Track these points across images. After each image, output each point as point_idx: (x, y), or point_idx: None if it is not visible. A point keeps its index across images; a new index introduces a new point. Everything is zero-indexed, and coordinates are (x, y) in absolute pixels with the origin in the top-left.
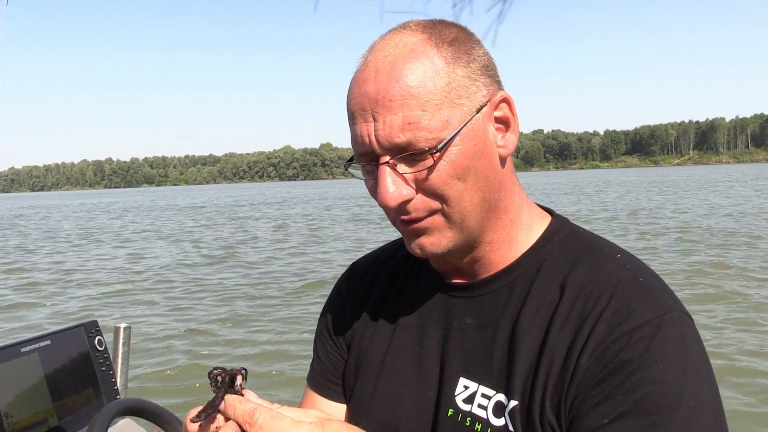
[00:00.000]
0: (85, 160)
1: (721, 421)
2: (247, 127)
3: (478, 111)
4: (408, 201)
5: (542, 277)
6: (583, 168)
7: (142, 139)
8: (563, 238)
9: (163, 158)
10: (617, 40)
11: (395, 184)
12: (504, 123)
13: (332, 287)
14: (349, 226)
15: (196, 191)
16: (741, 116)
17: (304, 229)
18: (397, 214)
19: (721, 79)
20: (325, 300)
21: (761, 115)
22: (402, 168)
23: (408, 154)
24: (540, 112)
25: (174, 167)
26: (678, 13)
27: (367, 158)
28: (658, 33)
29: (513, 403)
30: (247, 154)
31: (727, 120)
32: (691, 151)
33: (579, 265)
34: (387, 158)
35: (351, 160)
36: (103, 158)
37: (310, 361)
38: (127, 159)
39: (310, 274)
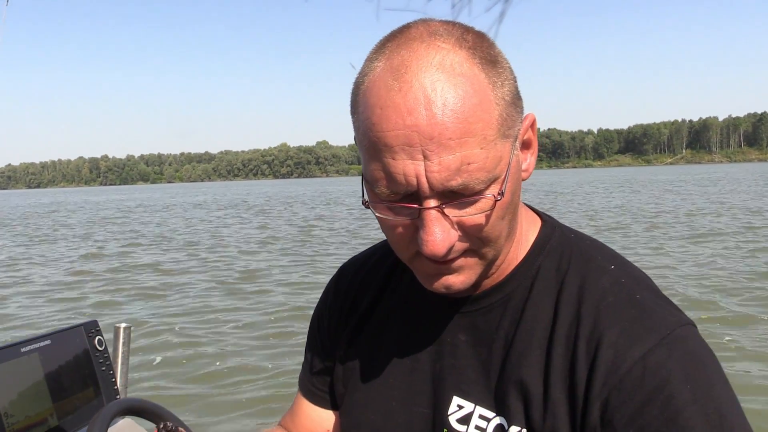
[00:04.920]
0: (81, 157)
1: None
2: (244, 125)
3: (516, 140)
4: (453, 245)
5: (535, 293)
6: (576, 167)
7: (137, 136)
8: (554, 246)
9: (159, 155)
10: (611, 39)
11: (443, 231)
12: (528, 146)
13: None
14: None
15: (189, 189)
16: (734, 115)
17: (297, 233)
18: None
19: (714, 78)
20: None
21: (754, 114)
22: (450, 211)
23: (462, 198)
24: (534, 110)
25: (169, 164)
26: (671, 12)
27: (401, 198)
28: (651, 32)
29: (515, 429)
30: (242, 151)
31: (720, 119)
32: (683, 150)
33: (572, 279)
34: (434, 202)
35: (367, 195)
36: (99, 155)
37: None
38: (123, 156)
39: (319, 273)
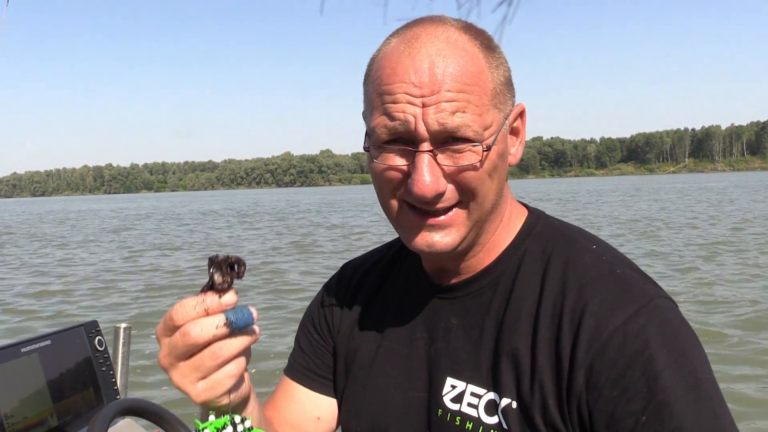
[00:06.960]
0: (86, 166)
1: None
2: (248, 133)
3: (506, 118)
4: (441, 194)
5: (522, 274)
6: (578, 176)
7: (141, 145)
8: (540, 232)
9: (163, 164)
10: (614, 49)
11: (433, 175)
12: (516, 133)
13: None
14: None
15: (196, 198)
16: (736, 124)
17: (328, 242)
18: (423, 205)
19: (716, 87)
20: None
21: (757, 123)
22: (442, 160)
23: (453, 146)
24: (538, 119)
25: (173, 173)
26: (675, 22)
27: (397, 141)
28: (655, 41)
29: (505, 401)
30: (246, 160)
31: (723, 128)
32: (686, 159)
33: (556, 259)
34: (428, 146)
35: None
36: (103, 164)
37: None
38: (127, 165)
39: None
